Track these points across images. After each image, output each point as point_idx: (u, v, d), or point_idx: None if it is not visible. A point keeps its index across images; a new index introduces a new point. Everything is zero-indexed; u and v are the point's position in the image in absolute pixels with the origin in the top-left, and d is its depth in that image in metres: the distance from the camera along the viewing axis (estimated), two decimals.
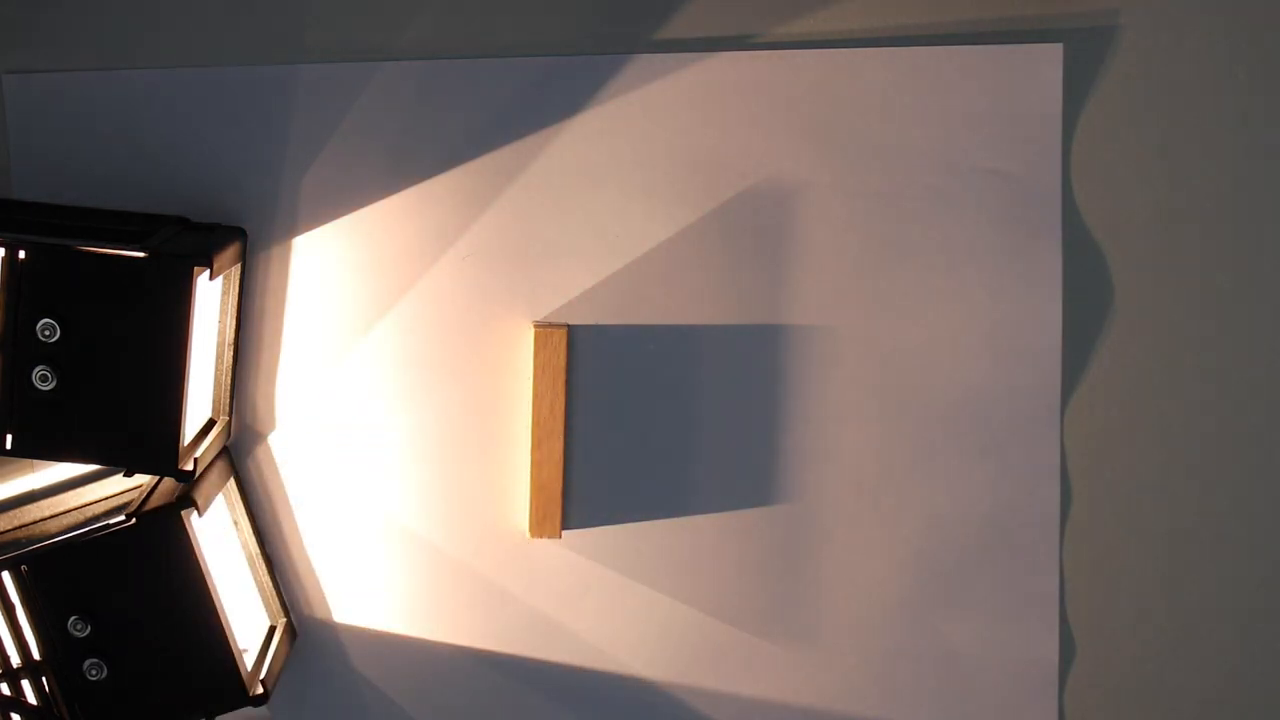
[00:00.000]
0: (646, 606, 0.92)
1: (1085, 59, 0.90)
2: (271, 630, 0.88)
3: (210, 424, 0.84)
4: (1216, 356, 0.93)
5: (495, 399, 0.90)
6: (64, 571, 0.77)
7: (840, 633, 0.92)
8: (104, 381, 0.74)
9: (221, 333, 0.85)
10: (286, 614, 0.89)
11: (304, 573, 0.90)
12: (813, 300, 0.90)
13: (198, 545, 0.78)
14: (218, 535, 0.85)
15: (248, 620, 0.86)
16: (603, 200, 0.89)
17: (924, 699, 0.93)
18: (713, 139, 0.89)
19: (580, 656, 0.92)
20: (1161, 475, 0.93)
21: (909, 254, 0.90)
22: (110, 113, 0.86)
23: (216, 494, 0.83)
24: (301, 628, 0.91)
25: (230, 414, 0.87)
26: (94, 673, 0.78)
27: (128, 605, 0.78)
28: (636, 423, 0.90)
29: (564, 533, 0.90)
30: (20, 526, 0.83)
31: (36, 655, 0.78)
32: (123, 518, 0.77)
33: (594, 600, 0.91)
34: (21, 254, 0.73)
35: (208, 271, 0.75)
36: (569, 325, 0.89)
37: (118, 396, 0.74)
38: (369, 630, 0.91)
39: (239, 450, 0.89)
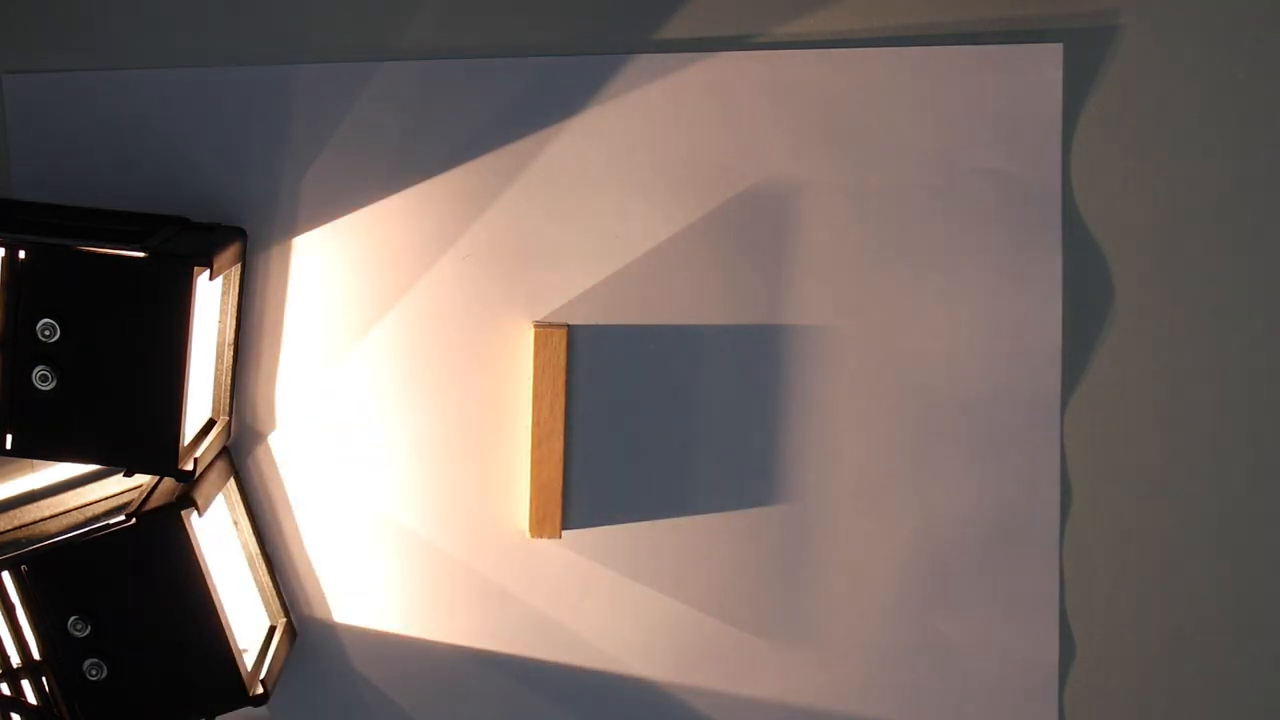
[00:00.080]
0: (646, 606, 0.92)
1: (1085, 59, 0.90)
2: (271, 630, 0.88)
3: (210, 424, 0.84)
4: (1216, 356, 0.93)
5: (495, 399, 0.90)
6: (64, 571, 0.77)
7: (840, 633, 0.93)
8: (104, 381, 0.74)
9: (221, 333, 0.85)
10: (286, 614, 0.89)
11: (304, 573, 0.90)
12: (813, 300, 0.90)
13: (198, 545, 0.78)
14: (218, 535, 0.85)
15: (248, 620, 0.86)
16: (603, 200, 0.89)
17: (924, 699, 0.93)
18: (713, 139, 0.89)
19: (580, 656, 0.92)
20: (1161, 475, 0.93)
21: (909, 254, 0.90)
22: (110, 113, 0.86)
23: (216, 494, 0.83)
24: (301, 628, 0.91)
25: (230, 414, 0.87)
26: (94, 673, 0.78)
27: (128, 605, 0.78)
28: (636, 423, 0.90)
29: (564, 533, 0.90)
30: (20, 526, 0.83)
31: (36, 655, 0.78)
32: (123, 518, 0.77)
33: (594, 600, 0.91)
34: (21, 254, 0.73)
35: (208, 271, 0.75)
36: (569, 325, 0.89)
37: (118, 396, 0.74)
38: (369, 630, 0.91)
39: (239, 450, 0.89)
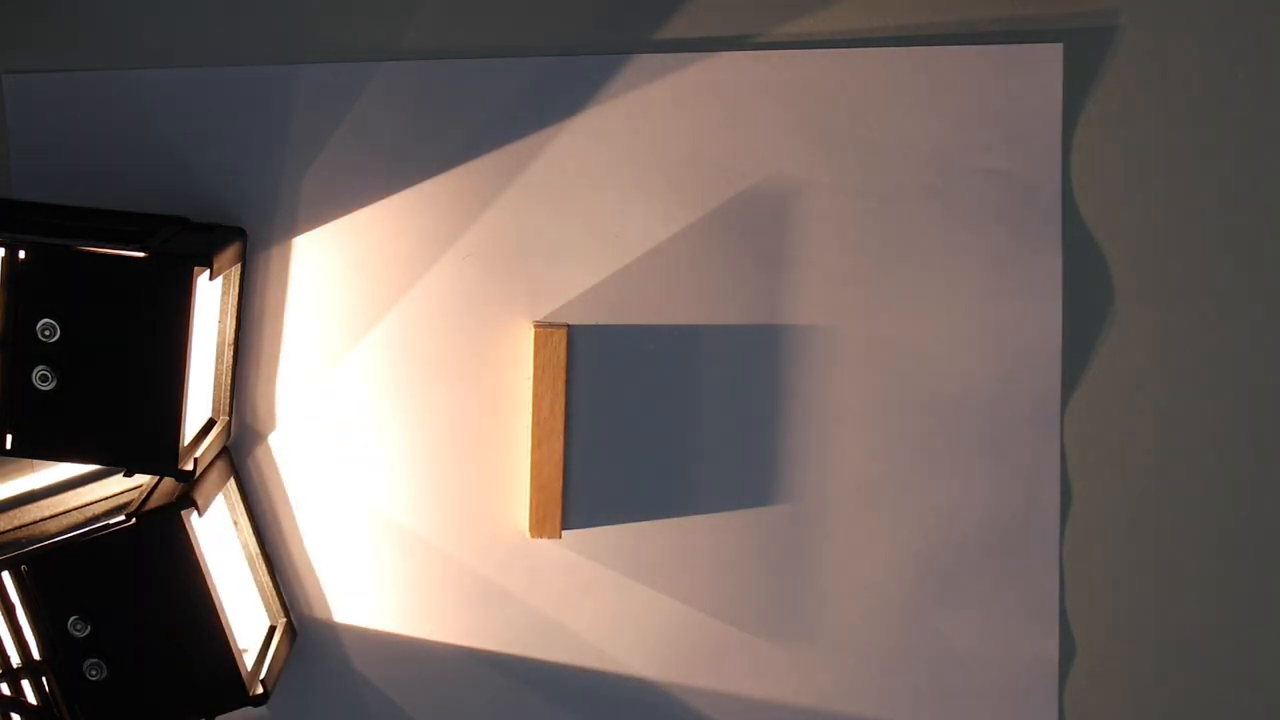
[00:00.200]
0: (646, 606, 0.92)
1: (1085, 59, 0.90)
2: (271, 630, 0.88)
3: (210, 424, 0.84)
4: (1216, 356, 0.93)
5: (495, 399, 0.90)
6: (64, 571, 0.77)
7: (840, 633, 0.92)
8: (104, 381, 0.74)
9: (221, 333, 0.85)
10: (286, 614, 0.89)
11: (304, 573, 0.90)
12: (813, 300, 0.90)
13: (198, 545, 0.78)
14: (218, 535, 0.85)
15: (248, 620, 0.86)
16: (602, 200, 0.89)
17: (924, 699, 0.93)
18: (713, 139, 0.89)
19: (580, 656, 0.92)
20: (1161, 475, 0.93)
21: (909, 254, 0.90)
22: (110, 113, 0.86)
23: (216, 494, 0.83)
24: (301, 628, 0.91)
25: (230, 414, 0.87)
26: (94, 673, 0.78)
27: (128, 605, 0.78)
28: (636, 423, 0.90)
29: (564, 533, 0.90)
30: (20, 526, 0.83)
31: (36, 655, 0.78)
32: (123, 518, 0.77)
33: (594, 600, 0.91)
34: (21, 254, 0.73)
35: (208, 271, 0.75)
36: (569, 325, 0.89)
37: (118, 396, 0.74)
38: (369, 630, 0.91)
39: (239, 450, 0.89)
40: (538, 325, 0.89)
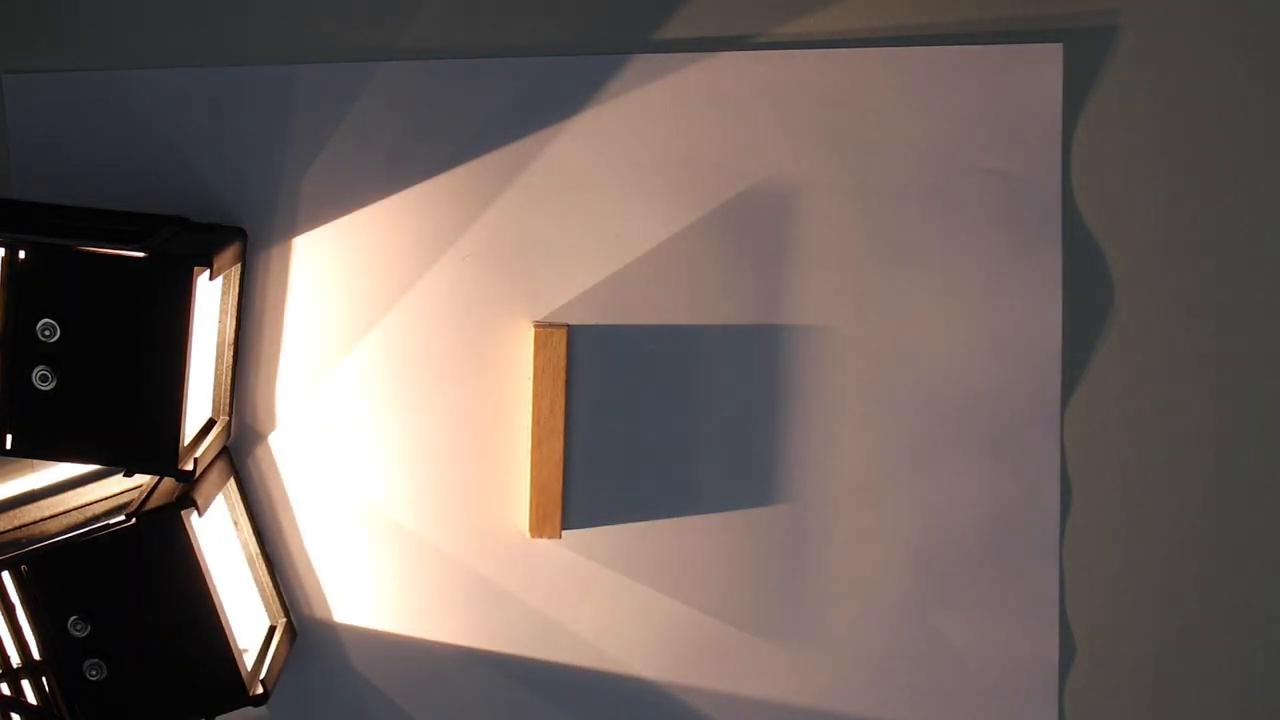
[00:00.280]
0: (646, 606, 0.92)
1: (1085, 59, 0.90)
2: (271, 630, 0.88)
3: (210, 424, 0.84)
4: (1216, 356, 0.93)
5: (495, 399, 0.90)
6: (64, 571, 0.77)
7: (840, 632, 0.92)
8: (104, 381, 0.74)
9: (221, 333, 0.85)
10: (286, 614, 0.89)
11: (304, 573, 0.90)
12: (813, 300, 0.90)
13: (198, 545, 0.78)
14: (218, 535, 0.85)
15: (248, 620, 0.86)
16: (602, 200, 0.89)
17: (924, 699, 0.93)
18: (713, 139, 0.89)
19: (580, 656, 0.92)
20: (1161, 475, 0.93)
21: (909, 254, 0.90)
22: (110, 113, 0.86)
23: (216, 494, 0.83)
24: (301, 628, 0.91)
25: (230, 414, 0.87)
26: (94, 673, 0.78)
27: (128, 605, 0.78)
28: (636, 423, 0.90)
29: (564, 533, 0.90)
30: (20, 526, 0.83)
31: (36, 655, 0.78)
32: (123, 518, 0.77)
33: (594, 600, 0.91)
34: (21, 254, 0.73)
35: (208, 271, 0.75)
36: (569, 325, 0.89)
37: (118, 396, 0.74)
38: (369, 630, 0.91)
39: (239, 450, 0.89)
40: (538, 325, 0.89)
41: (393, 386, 0.89)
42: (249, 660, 0.83)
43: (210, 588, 0.78)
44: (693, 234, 0.90)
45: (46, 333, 0.74)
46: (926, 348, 0.91)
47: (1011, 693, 0.93)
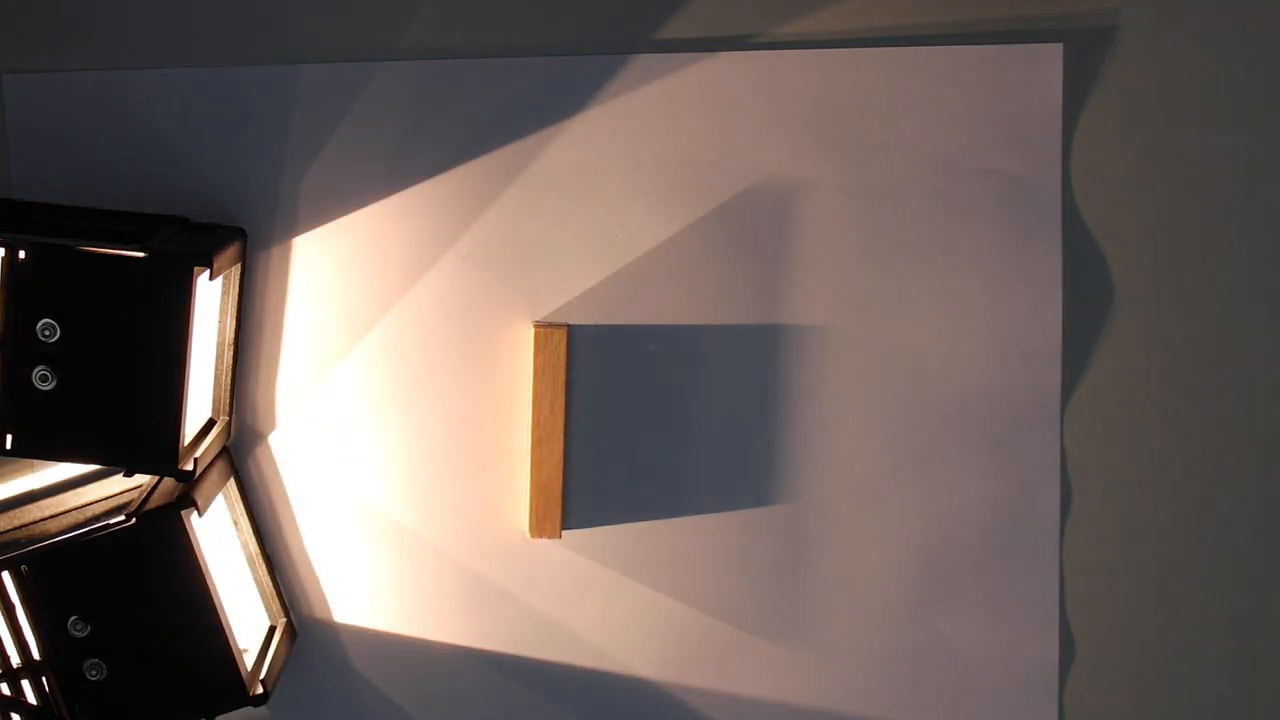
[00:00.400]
0: (646, 606, 0.92)
1: (1085, 59, 0.90)
2: (271, 630, 0.88)
3: (210, 424, 0.84)
4: (1216, 356, 0.93)
5: (495, 399, 0.90)
6: (64, 571, 0.77)
7: (840, 633, 0.92)
8: (104, 381, 0.74)
9: (221, 333, 0.85)
10: (286, 614, 0.89)
11: (304, 573, 0.90)
12: (813, 300, 0.90)
13: (198, 545, 0.78)
14: (218, 535, 0.85)
15: (248, 620, 0.86)
16: (603, 200, 0.89)
17: (924, 699, 0.93)
18: (713, 139, 0.89)
19: (580, 656, 0.92)
20: (1161, 475, 0.93)
21: (909, 254, 0.90)
22: (110, 113, 0.86)
23: (216, 494, 0.83)
24: (301, 628, 0.91)
25: (230, 414, 0.87)
26: (94, 673, 0.78)
27: (128, 605, 0.78)
28: (636, 423, 0.90)
29: (564, 533, 0.90)
30: (20, 526, 0.83)
31: (36, 655, 0.78)
32: (123, 518, 0.77)
33: (594, 600, 0.91)
34: (21, 254, 0.73)
35: (208, 271, 0.75)
36: (569, 325, 0.89)
37: (118, 396, 0.74)
38: (369, 630, 0.91)
39: (239, 450, 0.89)
40: (538, 325, 0.89)
41: (393, 387, 0.89)
42: (249, 660, 0.83)
43: (210, 588, 0.78)
44: (692, 234, 0.90)
45: (46, 333, 0.74)
46: (926, 348, 0.91)
47: (1011, 693, 0.93)
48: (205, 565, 0.78)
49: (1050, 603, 0.93)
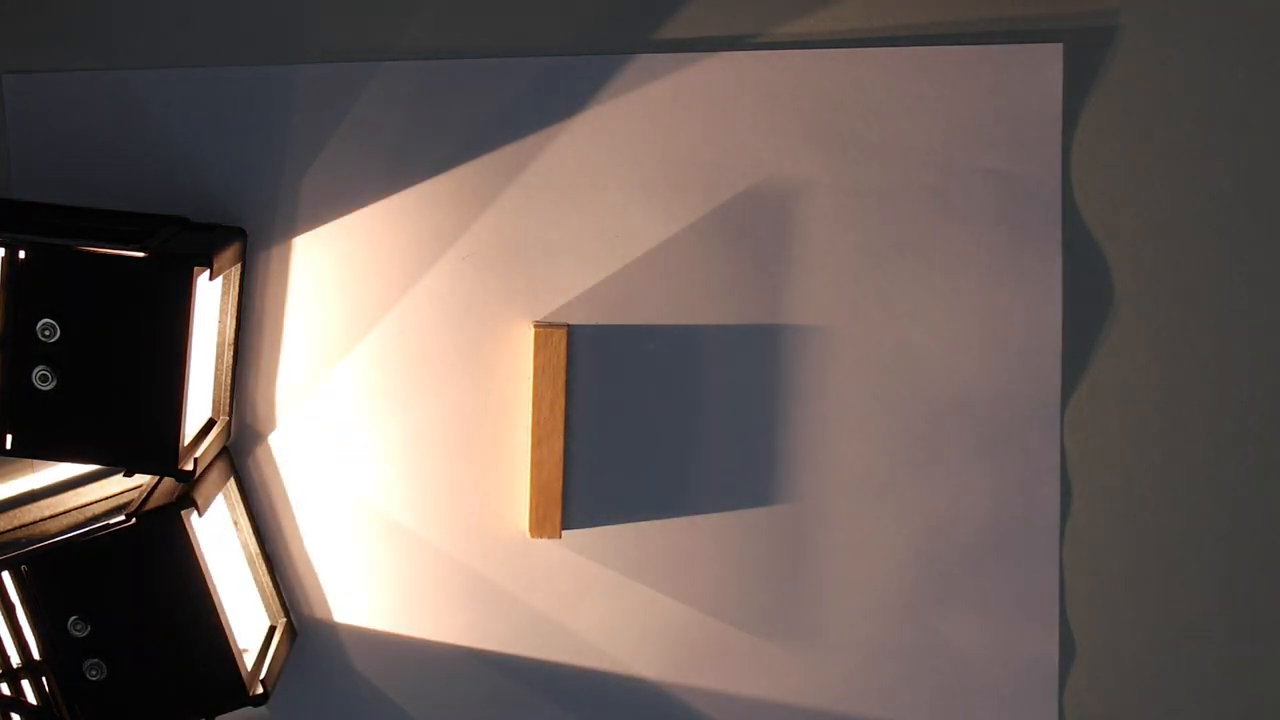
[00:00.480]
0: (646, 606, 0.92)
1: (1085, 59, 0.90)
2: (271, 630, 0.88)
3: (210, 424, 0.84)
4: (1216, 356, 0.93)
5: (495, 399, 0.90)
6: (64, 571, 0.77)
7: (840, 633, 0.92)
8: (104, 382, 0.74)
9: (221, 333, 0.85)
10: (286, 614, 0.89)
11: (304, 573, 0.90)
12: (813, 300, 0.90)
13: (198, 545, 0.78)
14: (218, 535, 0.85)
15: (248, 620, 0.86)
16: (603, 200, 0.89)
17: (924, 699, 0.93)
18: (712, 139, 0.89)
19: (580, 656, 0.92)
20: (1161, 475, 0.93)
21: (909, 254, 0.90)
22: (110, 113, 0.86)
23: (216, 494, 0.83)
24: (301, 628, 0.91)
25: (230, 414, 0.87)
26: (94, 673, 0.78)
27: (128, 605, 0.78)
28: (636, 423, 0.90)
29: (564, 533, 0.90)
30: (20, 526, 0.83)
31: (36, 655, 0.78)
32: (123, 518, 0.77)
33: (594, 600, 0.91)
34: (21, 254, 0.73)
35: (208, 271, 0.75)
36: (569, 325, 0.89)
37: (118, 397, 0.74)
38: (369, 630, 0.91)
39: (239, 450, 0.89)
40: (538, 325, 0.89)
41: (393, 386, 0.89)
42: (249, 660, 0.83)
43: (210, 588, 0.78)
44: (693, 234, 0.90)
45: (46, 333, 0.74)
46: (926, 348, 0.91)
47: (1011, 693, 0.93)
48: (205, 565, 0.78)
49: (1050, 603, 0.93)
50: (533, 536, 0.89)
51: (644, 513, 0.91)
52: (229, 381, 0.86)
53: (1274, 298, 0.93)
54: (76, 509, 0.84)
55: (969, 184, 0.90)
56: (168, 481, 0.80)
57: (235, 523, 0.88)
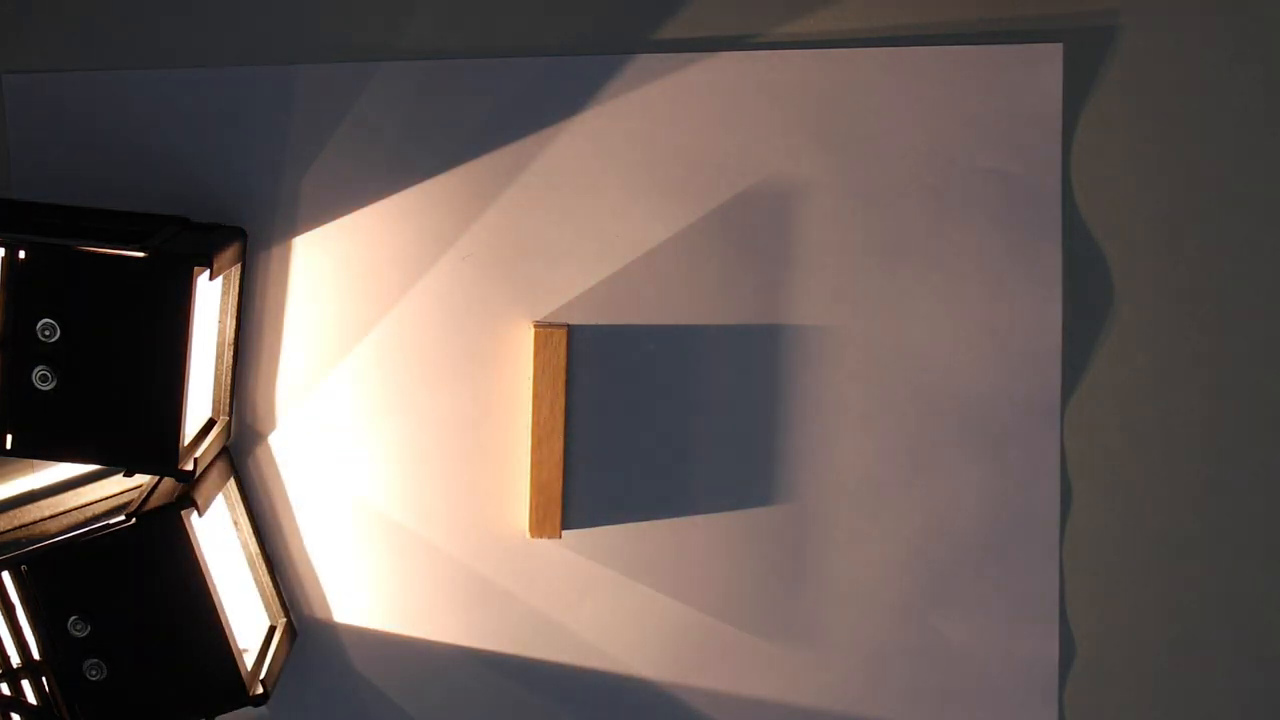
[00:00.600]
0: (646, 606, 0.92)
1: (1085, 59, 0.90)
2: (271, 630, 0.88)
3: (210, 424, 0.84)
4: (1216, 357, 0.93)
5: (495, 399, 0.90)
6: (64, 571, 0.77)
7: (840, 632, 0.92)
8: (104, 381, 0.74)
9: (221, 333, 0.85)
10: (286, 614, 0.89)
11: (304, 573, 0.90)
12: (813, 300, 0.90)
13: (198, 545, 0.78)
14: (218, 535, 0.85)
15: (248, 620, 0.86)
16: (603, 200, 0.89)
17: (924, 699, 0.93)
18: (713, 139, 0.89)
19: (580, 656, 0.92)
20: (1161, 475, 0.93)
21: (909, 254, 0.91)
22: (110, 113, 0.86)
23: (216, 494, 0.83)
24: (301, 628, 0.91)
25: (230, 414, 0.87)
26: (94, 673, 0.78)
27: (128, 605, 0.78)
28: (636, 423, 0.90)
29: (564, 533, 0.90)
30: (20, 526, 0.83)
31: (36, 655, 0.78)
32: (123, 518, 0.77)
33: (594, 600, 0.91)
34: (21, 254, 0.73)
35: (208, 271, 0.75)
36: (569, 325, 0.89)
37: (118, 396, 0.74)
38: (369, 630, 0.91)
39: (239, 450, 0.89)
40: (538, 325, 0.89)
41: (393, 386, 0.89)
42: (249, 660, 0.83)
43: (210, 588, 0.78)
44: (692, 234, 0.90)
45: (46, 333, 0.74)
46: (926, 348, 0.91)
47: (1011, 693, 0.93)
48: (205, 565, 0.78)
49: (1050, 603, 0.93)
50: (533, 536, 0.89)
51: (644, 513, 0.91)
52: (229, 381, 0.86)
53: (1274, 298, 0.93)
54: (76, 509, 0.84)
55: (969, 184, 0.90)
56: (168, 481, 0.80)
57: (235, 523, 0.88)
